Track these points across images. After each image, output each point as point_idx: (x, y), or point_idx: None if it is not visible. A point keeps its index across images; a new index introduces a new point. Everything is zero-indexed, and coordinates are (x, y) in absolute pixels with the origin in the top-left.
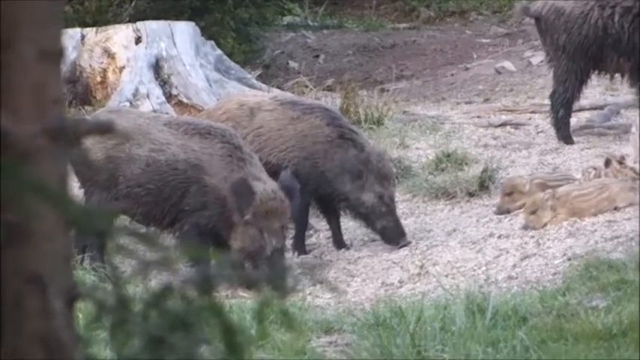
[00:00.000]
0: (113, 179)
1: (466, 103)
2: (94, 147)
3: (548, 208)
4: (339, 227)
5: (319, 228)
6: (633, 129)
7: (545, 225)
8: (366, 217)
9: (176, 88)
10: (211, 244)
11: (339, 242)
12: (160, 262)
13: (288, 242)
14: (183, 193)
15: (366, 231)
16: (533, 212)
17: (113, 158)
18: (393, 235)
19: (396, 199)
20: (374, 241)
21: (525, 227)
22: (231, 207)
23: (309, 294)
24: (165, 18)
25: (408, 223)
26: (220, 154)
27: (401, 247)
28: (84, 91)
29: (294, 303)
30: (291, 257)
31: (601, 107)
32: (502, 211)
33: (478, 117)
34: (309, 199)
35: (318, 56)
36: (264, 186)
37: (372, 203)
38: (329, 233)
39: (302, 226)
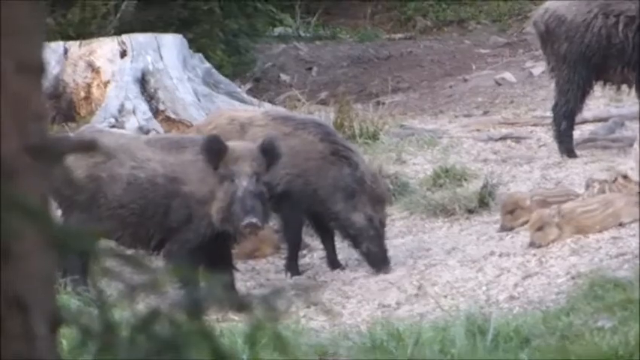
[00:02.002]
0: (94, 199)
1: (465, 116)
2: (75, 165)
3: (554, 225)
4: (333, 247)
5: (314, 247)
6: (636, 144)
7: (551, 242)
8: (353, 237)
9: (163, 103)
10: (211, 258)
11: (333, 262)
12: (148, 285)
13: (281, 263)
14: (166, 209)
15: None
16: (540, 229)
17: (95, 177)
18: (376, 261)
19: (393, 217)
20: None
21: (531, 244)
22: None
23: (303, 316)
24: (152, 30)
25: (405, 242)
26: (195, 163)
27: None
28: (67, 106)
29: (288, 326)
30: (284, 278)
31: (605, 119)
32: (505, 229)
33: (477, 130)
34: (301, 217)
35: (310, 68)
36: (236, 142)
37: (361, 225)
38: (323, 253)
39: (295, 246)
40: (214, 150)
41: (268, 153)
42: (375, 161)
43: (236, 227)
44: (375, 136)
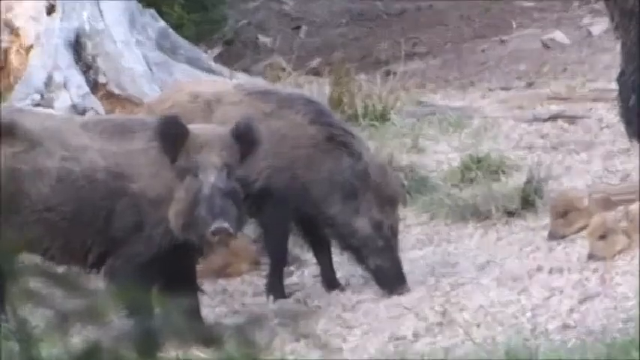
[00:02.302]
0: (13, 201)
1: (502, 89)
2: None
3: (621, 232)
4: (330, 260)
5: (304, 261)
6: None
7: (617, 254)
8: (356, 250)
9: (104, 74)
10: (169, 278)
11: (330, 281)
12: (85, 313)
13: (261, 282)
14: (108, 214)
15: None
16: (602, 237)
17: (14, 172)
18: (387, 279)
19: (409, 222)
20: None
21: (591, 257)
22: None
23: (291, 353)
24: None
25: (425, 255)
26: (146, 150)
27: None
28: None
29: None
30: (265, 302)
31: None
32: (556, 236)
33: (519, 108)
34: (287, 223)
35: (298, 27)
36: (197, 126)
37: (366, 233)
38: (317, 269)
39: (279, 260)
40: (172, 135)
41: (243, 139)
42: (384, 149)
43: (201, 236)
44: (384, 117)
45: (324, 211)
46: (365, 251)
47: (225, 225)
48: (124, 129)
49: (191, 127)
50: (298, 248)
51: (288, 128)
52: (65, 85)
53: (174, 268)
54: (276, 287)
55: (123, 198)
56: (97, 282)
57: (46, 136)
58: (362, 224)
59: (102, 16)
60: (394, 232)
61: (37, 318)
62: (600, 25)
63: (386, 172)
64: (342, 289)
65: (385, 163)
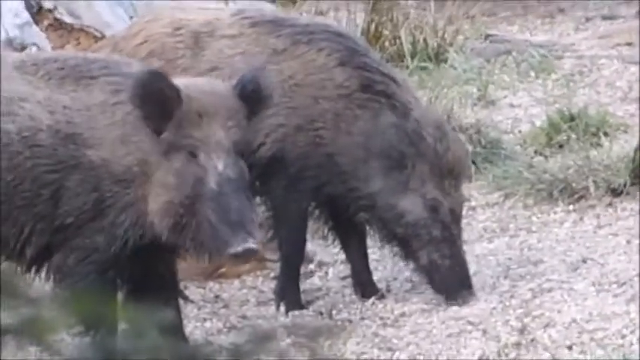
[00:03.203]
0: None
1: (604, 18)
2: None
3: None
4: (365, 256)
5: (327, 259)
6: None
7: None
8: (403, 242)
9: None
10: (141, 280)
11: (364, 285)
12: (24, 329)
13: (268, 287)
14: (55, 191)
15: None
16: None
17: None
18: (448, 284)
19: (474, 203)
20: None
21: None
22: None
23: None
24: None
25: (496, 248)
26: (111, 104)
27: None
28: None
29: None
30: (273, 315)
31: None
32: None
33: (627, 45)
34: (306, 205)
35: None
36: (189, 80)
37: (416, 218)
38: (346, 268)
39: (294, 257)
40: (157, 99)
41: (251, 100)
42: (440, 102)
43: (210, 253)
44: (439, 57)
45: (357, 188)
46: (415, 243)
47: (253, 245)
48: (79, 73)
49: (179, 82)
50: (320, 240)
51: (306, 72)
52: None
53: (148, 267)
54: (289, 293)
55: (77, 170)
56: (41, 285)
57: None
58: (411, 205)
59: None
60: (456, 218)
61: None
62: None
63: (444, 134)
64: (382, 297)
65: (442, 120)
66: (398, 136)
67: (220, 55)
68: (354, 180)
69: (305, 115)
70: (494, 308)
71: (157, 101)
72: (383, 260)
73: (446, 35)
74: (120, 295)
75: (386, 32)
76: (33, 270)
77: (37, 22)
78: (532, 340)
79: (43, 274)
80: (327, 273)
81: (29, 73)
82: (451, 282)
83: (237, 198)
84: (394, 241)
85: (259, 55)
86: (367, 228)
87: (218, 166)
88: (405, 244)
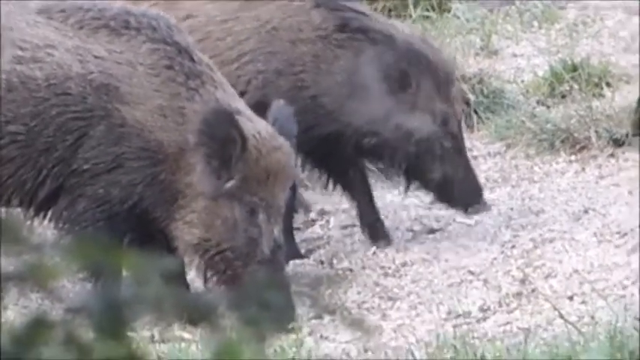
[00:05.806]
0: None
1: None
2: None
3: None
4: (370, 200)
5: (327, 208)
6: None
7: None
8: (413, 161)
9: None
10: (146, 230)
11: (373, 227)
12: (27, 274)
13: None
14: (78, 139)
15: (417, 212)
16: None
17: None
18: (462, 193)
19: (477, 152)
20: (434, 231)
21: None
22: (178, 164)
23: (310, 334)
24: None
25: (498, 198)
26: (150, 64)
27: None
28: None
29: (282, 351)
30: None
31: None
32: None
33: None
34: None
35: None
36: (254, 125)
37: (426, 133)
38: (346, 217)
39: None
40: (220, 143)
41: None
42: (443, 51)
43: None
44: (443, 6)
45: (352, 122)
46: (427, 159)
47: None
48: (116, 23)
49: (241, 120)
50: (318, 190)
51: (282, 15)
52: None
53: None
54: (287, 243)
55: (104, 121)
56: (47, 231)
57: None
58: (421, 122)
59: None
60: (459, 126)
61: None
62: None
63: (431, 45)
64: (387, 243)
65: (423, 35)
66: (393, 60)
67: (196, 3)
68: (347, 114)
69: (285, 59)
70: (495, 258)
71: (220, 143)
72: (384, 209)
73: None
74: (125, 243)
75: None
76: (41, 215)
77: None
78: (533, 291)
79: (50, 219)
80: (328, 222)
81: (59, 21)
82: (465, 193)
83: (282, 268)
84: (401, 162)
85: (235, 1)
86: (365, 167)
87: (275, 231)
88: (415, 162)
